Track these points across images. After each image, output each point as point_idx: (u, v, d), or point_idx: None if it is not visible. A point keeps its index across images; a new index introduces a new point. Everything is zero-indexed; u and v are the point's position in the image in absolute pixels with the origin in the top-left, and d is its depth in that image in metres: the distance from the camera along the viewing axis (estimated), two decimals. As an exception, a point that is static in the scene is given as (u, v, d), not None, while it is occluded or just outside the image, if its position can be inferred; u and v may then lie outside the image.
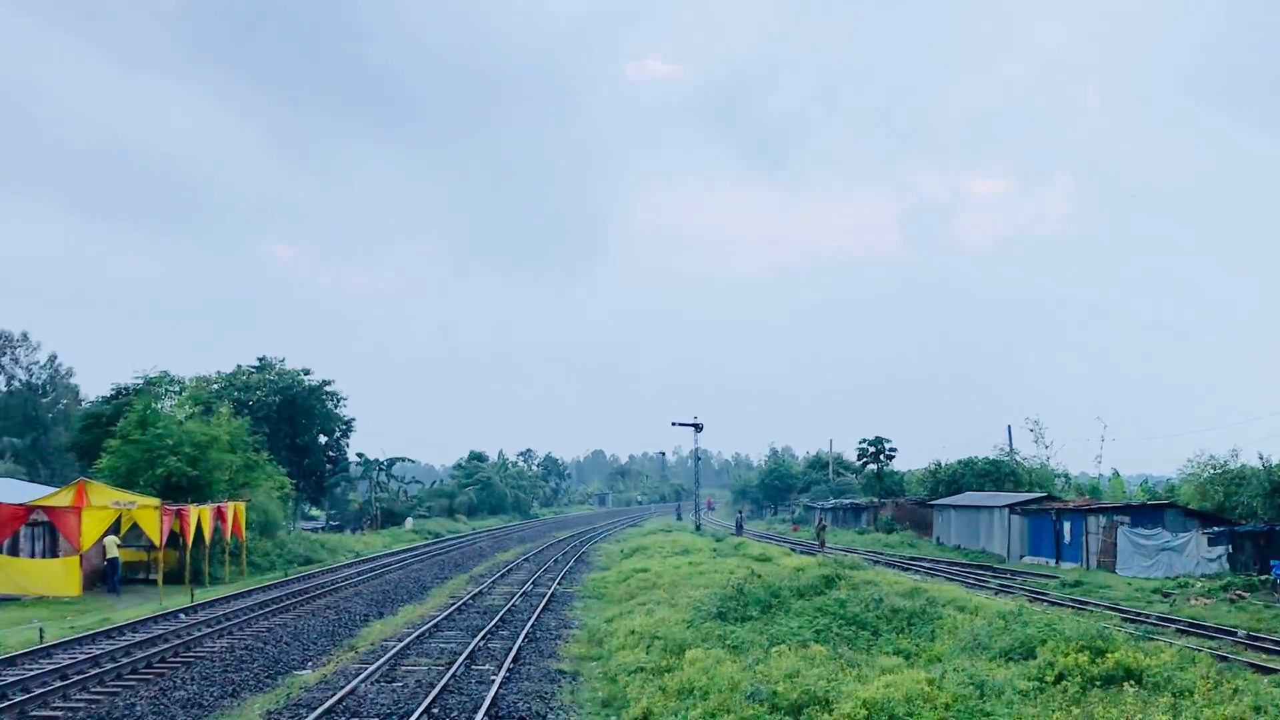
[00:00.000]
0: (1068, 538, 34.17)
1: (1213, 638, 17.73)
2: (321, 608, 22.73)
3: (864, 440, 61.58)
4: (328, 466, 57.34)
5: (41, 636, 17.44)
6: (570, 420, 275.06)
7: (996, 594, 24.16)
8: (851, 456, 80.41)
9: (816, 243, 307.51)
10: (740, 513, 61.21)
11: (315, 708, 11.98)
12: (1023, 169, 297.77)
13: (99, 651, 15.93)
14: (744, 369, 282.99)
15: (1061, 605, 21.39)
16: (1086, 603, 22.32)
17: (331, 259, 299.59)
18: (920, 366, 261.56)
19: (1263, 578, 25.43)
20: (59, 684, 13.52)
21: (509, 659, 15.32)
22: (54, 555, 26.05)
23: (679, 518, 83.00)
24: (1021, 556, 37.18)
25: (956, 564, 35.66)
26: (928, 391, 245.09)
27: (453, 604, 23.18)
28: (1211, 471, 34.97)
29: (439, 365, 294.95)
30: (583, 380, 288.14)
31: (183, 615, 20.97)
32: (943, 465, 57.40)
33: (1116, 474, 54.59)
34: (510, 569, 34.11)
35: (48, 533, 26.40)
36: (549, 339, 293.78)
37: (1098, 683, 11.20)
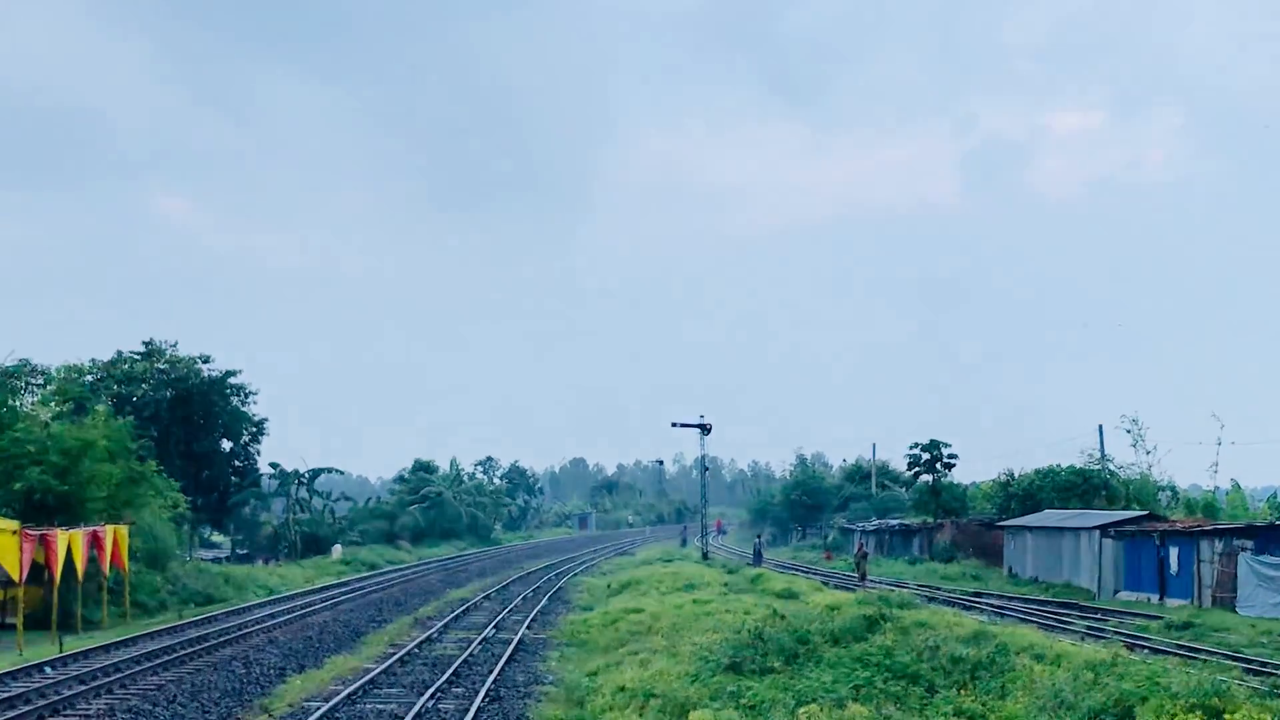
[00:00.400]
0: (1174, 567, 34.37)
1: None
2: (226, 659, 22.71)
3: (915, 445, 61.63)
4: (233, 480, 57.36)
5: None
6: (544, 421, 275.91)
7: (1083, 639, 24.28)
8: (900, 466, 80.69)
9: (854, 195, 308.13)
10: (759, 538, 61.40)
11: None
12: (1118, 98, 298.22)
13: (-60, 717, 15.90)
14: (763, 356, 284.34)
15: (1166, 653, 21.48)
16: (1199, 650, 22.45)
17: (238, 217, 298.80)
18: (986, 350, 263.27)
19: None
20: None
21: (465, 724, 15.37)
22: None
23: (684, 544, 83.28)
24: (1116, 591, 37.40)
25: (1033, 601, 35.86)
26: (996, 382, 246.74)
27: (393, 654, 23.20)
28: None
29: (376, 352, 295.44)
30: (559, 371, 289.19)
31: (49, 670, 20.94)
32: (1016, 476, 57.68)
33: (1237, 486, 54.82)
34: (467, 609, 34.17)
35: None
36: (517, 320, 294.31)
37: (1213, 751, 11.25)
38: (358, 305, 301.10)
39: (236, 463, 57.57)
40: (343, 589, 42.19)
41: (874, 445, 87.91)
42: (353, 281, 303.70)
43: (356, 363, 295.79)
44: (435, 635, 27.12)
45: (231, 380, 55.31)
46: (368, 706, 17.17)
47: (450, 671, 20.42)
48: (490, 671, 20.67)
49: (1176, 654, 21.34)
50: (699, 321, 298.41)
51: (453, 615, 31.78)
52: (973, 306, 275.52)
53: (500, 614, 32.23)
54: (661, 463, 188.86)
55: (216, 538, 70.70)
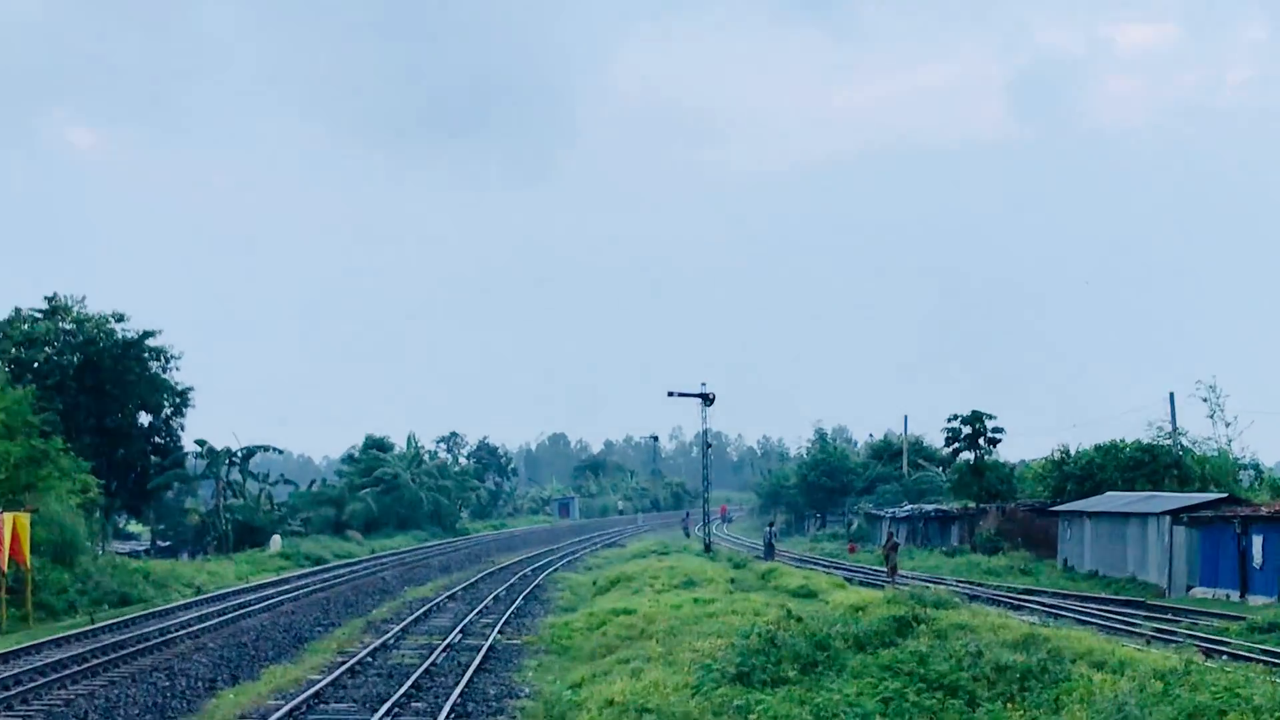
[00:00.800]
0: (1258, 559, 34.56)
1: None
2: (146, 670, 22.75)
3: (954, 417, 61.75)
4: (153, 460, 57.33)
5: None
6: (517, 390, 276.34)
7: (1150, 643, 24.44)
8: (936, 441, 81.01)
9: (884, 121, 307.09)
10: (770, 526, 61.46)
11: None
12: (1191, 9, 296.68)
13: None
14: (774, 316, 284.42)
15: (1249, 660, 21.62)
16: (1285, 655, 22.57)
17: (154, 148, 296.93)
18: (1035, 305, 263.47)
19: None
20: None
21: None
22: None
23: (686, 533, 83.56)
24: (1189, 588, 37.65)
25: (1091, 599, 36.08)
26: (1048, 342, 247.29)
27: (342, 663, 23.26)
28: None
29: (321, 311, 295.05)
30: (536, 332, 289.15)
31: (-63, 683, 20.95)
32: (1072, 454, 57.87)
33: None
34: (429, 610, 34.29)
35: None
36: (487, 273, 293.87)
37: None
38: (300, 256, 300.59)
39: (157, 439, 57.48)
40: (283, 587, 42.29)
41: (905, 418, 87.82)
42: (294, 228, 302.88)
43: (298, 323, 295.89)
44: (392, 641, 27.18)
45: (150, 342, 55.09)
46: (313, 725, 17.23)
47: (409, 683, 20.48)
48: (456, 684, 20.71)
49: (1261, 661, 21.49)
50: (699, 276, 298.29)
51: (412, 618, 31.87)
52: (1020, 257, 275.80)
53: (468, 616, 32.34)
54: (656, 439, 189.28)
55: (134, 528, 70.90)
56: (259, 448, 70.05)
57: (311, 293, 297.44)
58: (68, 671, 22.23)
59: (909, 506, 69.22)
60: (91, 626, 29.64)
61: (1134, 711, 14.23)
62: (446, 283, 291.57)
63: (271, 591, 40.45)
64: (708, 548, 60.04)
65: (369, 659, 24.21)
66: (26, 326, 52.91)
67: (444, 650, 25.44)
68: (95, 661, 23.58)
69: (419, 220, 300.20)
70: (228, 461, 66.18)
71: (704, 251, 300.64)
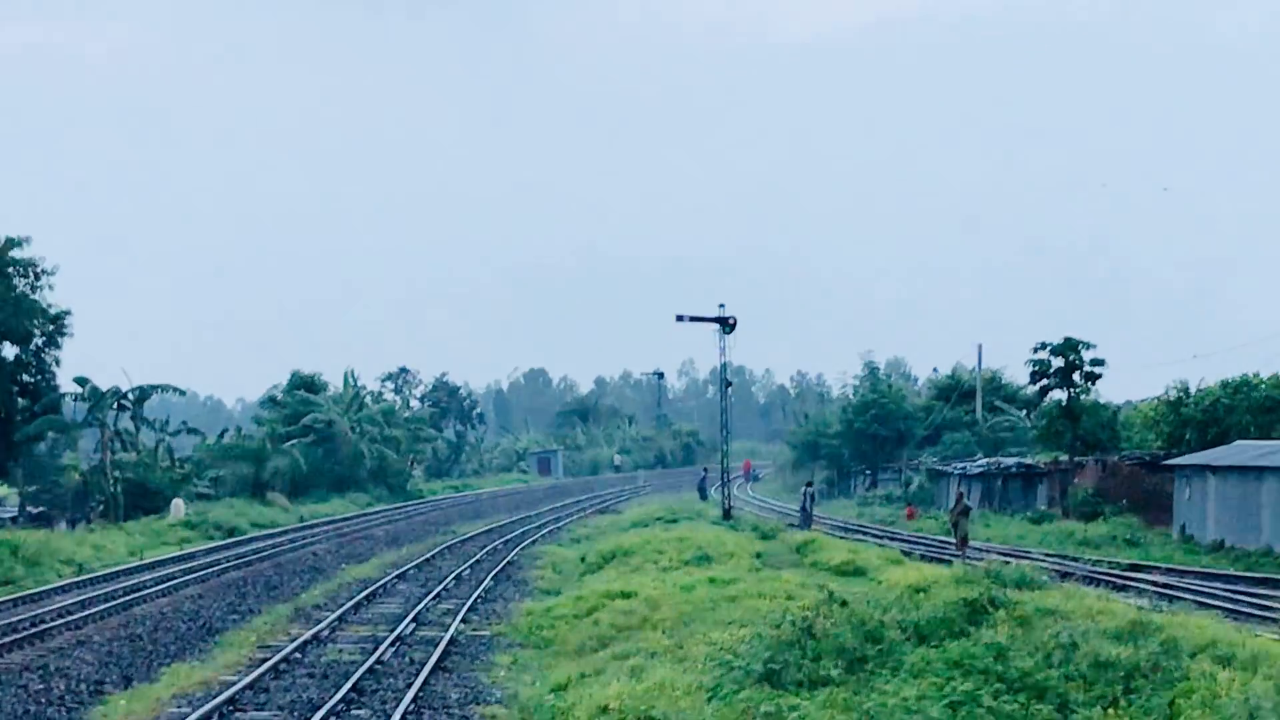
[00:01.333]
0: None
1: None
2: (15, 670, 22.82)
3: (1042, 345, 61.44)
4: (20, 403, 57.17)
5: None
6: (483, 316, 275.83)
7: (1290, 632, 24.43)
8: (1018, 377, 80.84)
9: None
10: (807, 486, 61.38)
11: None
12: None
13: None
14: (811, 224, 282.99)
15: None
16: None
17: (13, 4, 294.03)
18: (1141, 211, 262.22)
19: None
20: None
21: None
22: None
23: (702, 495, 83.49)
24: (1339, 562, 37.63)
25: (1216, 576, 36.08)
26: (1157, 257, 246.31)
27: (263, 660, 23.34)
28: None
29: (235, 218, 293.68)
30: (506, 241, 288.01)
31: None
32: (1192, 392, 57.73)
33: None
34: (373, 593, 34.39)
35: None
36: (443, 167, 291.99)
37: None
38: (207, 146, 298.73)
39: (24, 377, 57.34)
40: (187, 565, 42.36)
41: (979, 348, 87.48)
42: (199, 110, 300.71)
43: (205, 234, 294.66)
44: (326, 633, 27.22)
45: (15, 254, 54.79)
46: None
47: (348, 686, 20.53)
48: (408, 686, 20.78)
49: None
50: (717, 172, 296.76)
51: (351, 603, 31.91)
52: (1120, 149, 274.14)
53: (422, 601, 32.38)
54: (661, 375, 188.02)
55: (-1, 490, 70.88)
56: (156, 388, 69.99)
57: (224, 197, 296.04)
58: (-85, 672, 22.27)
59: (983, 460, 69.21)
60: (-55, 615, 29.71)
61: (1270, 719, 14.23)
62: (393, 185, 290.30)
63: (173, 570, 40.50)
64: (727, 513, 60.08)
65: (297, 655, 24.23)
66: None
67: (392, 644, 25.49)
68: (-51, 659, 23.62)
69: (363, 103, 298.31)
70: (116, 405, 66.08)
71: (726, 136, 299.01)
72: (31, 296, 55.55)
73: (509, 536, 55.16)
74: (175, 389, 75.42)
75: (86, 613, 30.24)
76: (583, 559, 42.14)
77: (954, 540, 44.66)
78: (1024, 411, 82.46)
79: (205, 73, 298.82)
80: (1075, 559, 40.78)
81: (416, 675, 21.78)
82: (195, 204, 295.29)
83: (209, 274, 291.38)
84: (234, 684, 20.88)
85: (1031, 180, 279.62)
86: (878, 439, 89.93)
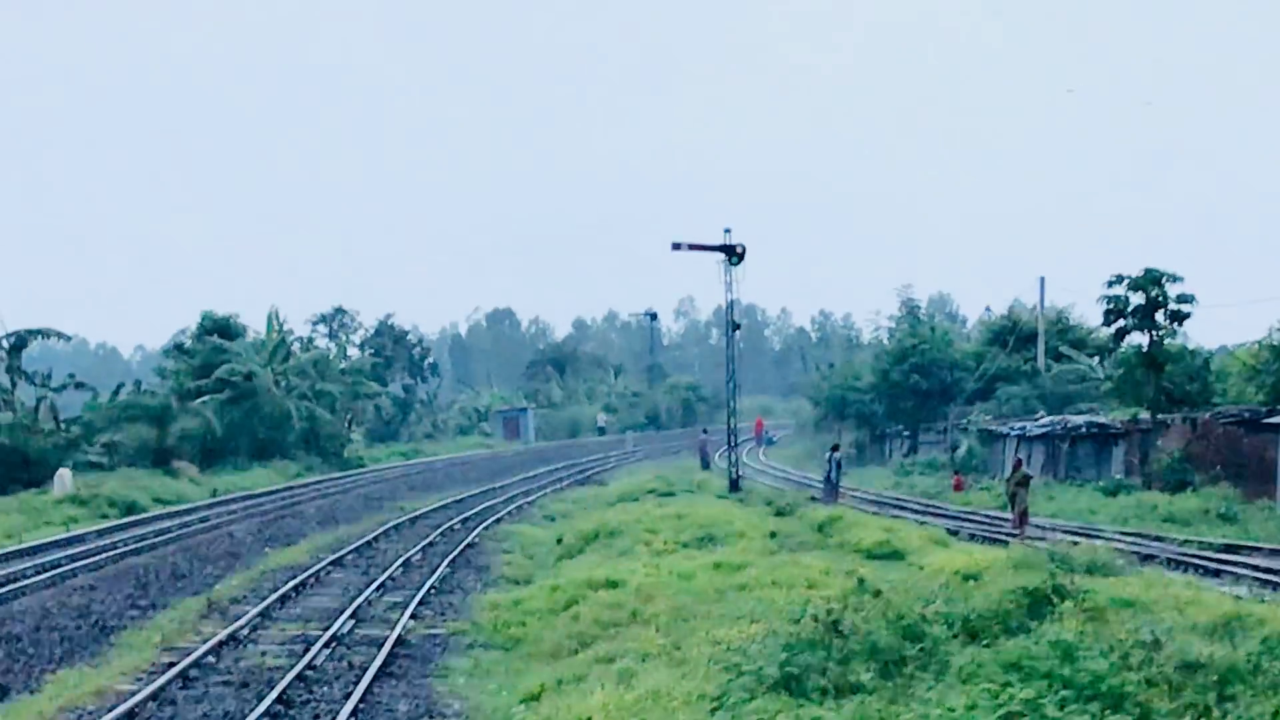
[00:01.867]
0: None
1: None
2: None
3: (1117, 279, 61.26)
4: None
5: None
6: (436, 250, 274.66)
7: None
8: (1089, 317, 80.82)
9: None
10: (834, 451, 61.48)
11: None
12: None
13: None
14: (830, 135, 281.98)
15: None
16: None
17: None
18: (1236, 106, 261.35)
19: None
20: None
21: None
22: None
23: (705, 463, 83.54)
24: None
25: (1329, 560, 36.19)
26: (1260, 166, 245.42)
27: (169, 665, 23.35)
28: None
29: (135, 122, 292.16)
30: (466, 153, 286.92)
31: None
32: (1301, 336, 57.77)
33: None
34: (303, 583, 34.41)
35: None
36: (387, 76, 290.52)
37: None
38: (102, 30, 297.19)
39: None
40: (76, 550, 42.28)
41: (1042, 281, 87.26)
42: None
43: (94, 141, 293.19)
44: (245, 631, 27.20)
45: None
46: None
47: (273, 697, 20.54)
48: (346, 696, 20.82)
49: None
50: (721, 71, 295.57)
51: (276, 595, 31.88)
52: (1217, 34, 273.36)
53: (363, 592, 32.37)
54: (654, 316, 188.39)
55: None
56: (35, 333, 69.94)
57: (117, 94, 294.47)
58: None
59: (1047, 419, 69.29)
60: None
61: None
62: (324, 78, 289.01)
63: (58, 556, 40.39)
64: (735, 485, 60.29)
65: (210, 659, 24.23)
66: None
67: (327, 645, 25.51)
68: None
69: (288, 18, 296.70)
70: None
71: (744, 27, 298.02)
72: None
73: (469, 514, 55.16)
74: (60, 334, 75.18)
75: (-48, 609, 30.27)
76: (559, 541, 42.22)
77: (1011, 516, 44.80)
78: (1096, 359, 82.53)
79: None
80: (1158, 539, 40.90)
81: (356, 683, 21.78)
82: (79, 100, 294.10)
83: (101, 194, 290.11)
84: (133, 694, 20.85)
85: (1109, 75, 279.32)
86: (918, 393, 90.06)
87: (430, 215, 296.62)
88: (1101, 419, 64.96)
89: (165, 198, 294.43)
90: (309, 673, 23.00)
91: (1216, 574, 32.98)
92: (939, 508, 55.54)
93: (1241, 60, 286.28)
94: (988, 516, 49.47)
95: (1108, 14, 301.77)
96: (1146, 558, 34.68)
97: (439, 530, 48.34)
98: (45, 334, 70.79)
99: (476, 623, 28.06)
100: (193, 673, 23.00)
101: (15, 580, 34.90)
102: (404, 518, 53.43)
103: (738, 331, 64.65)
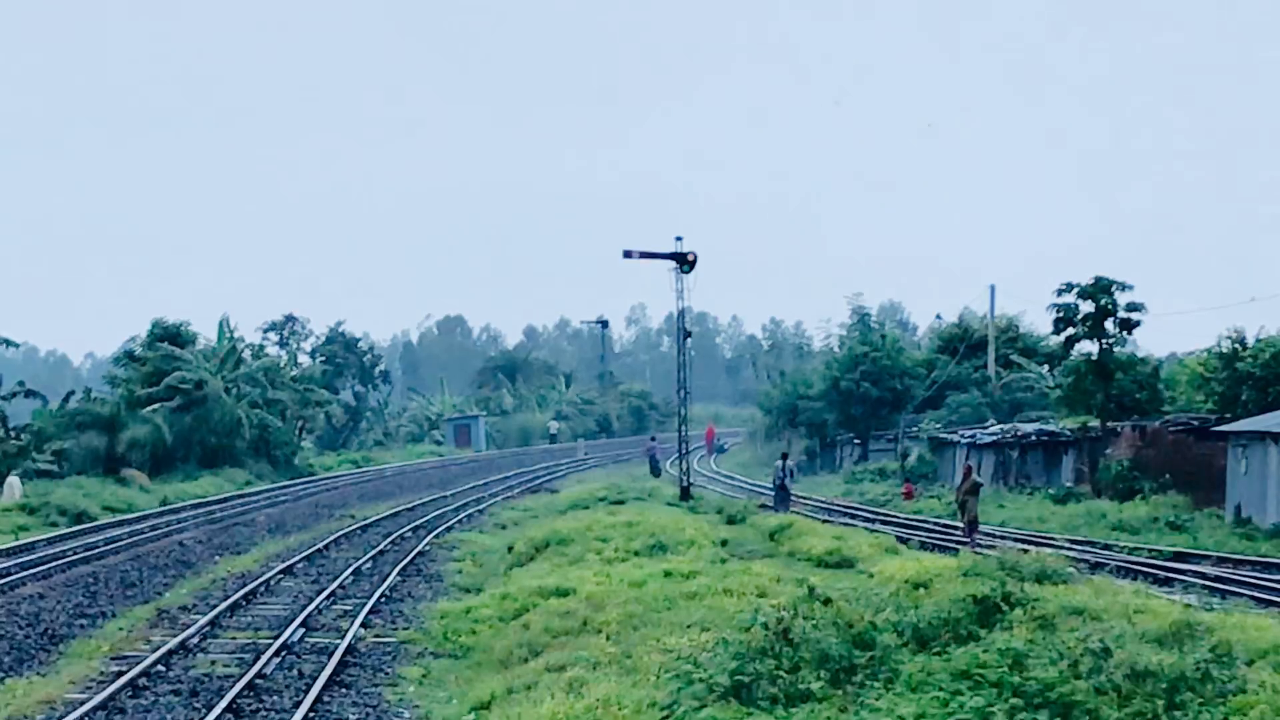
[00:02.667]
0: None
1: None
2: None
3: (1068, 287, 61.60)
4: None
5: None
6: (388, 257, 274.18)
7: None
8: (1040, 325, 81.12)
9: None
10: (783, 459, 61.49)
11: None
12: None
13: None
14: (782, 144, 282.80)
15: None
16: None
17: None
18: (1191, 120, 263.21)
19: None
20: None
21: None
22: None
23: (655, 470, 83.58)
24: None
25: (1277, 567, 36.40)
26: (1207, 181, 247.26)
27: (119, 674, 23.29)
28: None
29: (77, 120, 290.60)
30: (413, 169, 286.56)
31: None
32: (1249, 344, 58.04)
33: None
34: (253, 591, 34.38)
35: None
36: (338, 73, 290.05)
37: None
38: (47, 28, 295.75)
39: None
40: (25, 559, 42.08)
41: (992, 289, 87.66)
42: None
43: (47, 146, 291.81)
44: (195, 640, 27.14)
45: None
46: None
47: (223, 706, 20.49)
48: (296, 705, 20.78)
49: None
50: (673, 84, 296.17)
51: (226, 603, 31.82)
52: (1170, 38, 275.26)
53: (314, 600, 32.33)
54: (606, 324, 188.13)
55: None
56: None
57: (66, 99, 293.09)
58: None
59: (997, 427, 69.58)
60: None
61: (1343, 738, 14.38)
62: (275, 84, 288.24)
63: (7, 565, 40.09)
64: (686, 492, 60.28)
65: (160, 668, 24.14)
66: None
67: (277, 653, 25.43)
68: None
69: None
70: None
71: (694, 36, 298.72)
72: None
73: (420, 521, 55.15)
74: (8, 341, 74.82)
75: (-103, 618, 30.07)
76: (510, 549, 42.19)
77: (961, 524, 44.92)
78: (1046, 367, 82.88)
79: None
80: (1108, 546, 41.11)
81: (306, 691, 21.75)
82: (28, 105, 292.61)
83: (50, 199, 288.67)
84: (82, 703, 20.79)
85: (1059, 83, 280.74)
86: (869, 401, 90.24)
87: (381, 222, 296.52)
88: (1051, 427, 65.30)
89: (115, 204, 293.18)
90: (259, 681, 22.95)
91: (1166, 582, 33.20)
92: (889, 515, 55.71)
93: (1193, 68, 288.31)
94: (938, 524, 49.63)
95: (1057, 20, 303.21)
96: (1096, 566, 34.87)
97: (390, 538, 48.31)
98: (-12, 341, 70.37)
99: (427, 631, 28.10)
100: (142, 682, 22.93)
101: (-38, 589, 34.69)
102: (355, 526, 53.38)
103: (689, 339, 64.66)
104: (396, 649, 26.46)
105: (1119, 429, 58.62)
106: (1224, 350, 59.12)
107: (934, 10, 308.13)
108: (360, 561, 41.06)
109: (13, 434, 70.13)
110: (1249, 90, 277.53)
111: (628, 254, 60.07)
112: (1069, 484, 58.87)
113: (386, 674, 23.98)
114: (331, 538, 48.27)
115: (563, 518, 49.35)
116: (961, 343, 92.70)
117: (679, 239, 59.24)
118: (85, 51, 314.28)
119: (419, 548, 45.08)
